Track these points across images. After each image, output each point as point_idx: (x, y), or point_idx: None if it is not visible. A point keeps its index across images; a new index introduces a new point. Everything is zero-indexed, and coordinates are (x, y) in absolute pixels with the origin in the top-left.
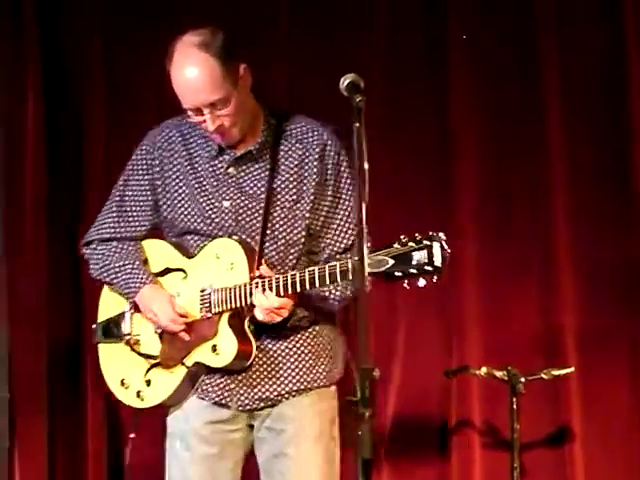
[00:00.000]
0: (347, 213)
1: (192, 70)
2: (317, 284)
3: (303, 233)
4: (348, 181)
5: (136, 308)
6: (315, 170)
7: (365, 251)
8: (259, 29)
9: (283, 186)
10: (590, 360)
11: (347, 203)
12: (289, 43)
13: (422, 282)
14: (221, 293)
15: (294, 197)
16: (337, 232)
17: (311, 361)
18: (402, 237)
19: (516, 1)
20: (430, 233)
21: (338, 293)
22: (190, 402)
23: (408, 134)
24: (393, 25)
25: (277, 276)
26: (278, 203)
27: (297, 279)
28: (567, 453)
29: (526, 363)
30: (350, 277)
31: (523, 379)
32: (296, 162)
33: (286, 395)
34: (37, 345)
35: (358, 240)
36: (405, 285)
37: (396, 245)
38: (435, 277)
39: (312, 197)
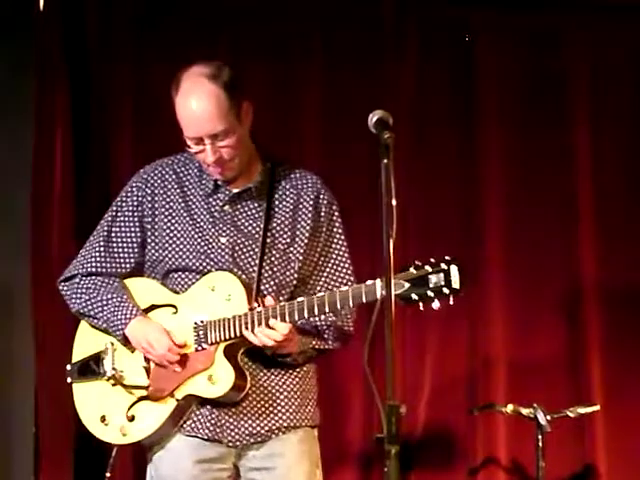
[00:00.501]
0: (339, 260)
1: (199, 99)
2: (327, 309)
3: (295, 275)
4: (340, 230)
5: (125, 341)
6: (310, 216)
7: (392, 284)
8: (294, 64)
9: (278, 228)
10: (616, 398)
11: (338, 251)
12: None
13: (437, 305)
14: (218, 324)
15: (288, 240)
16: (328, 278)
17: (299, 400)
18: (416, 262)
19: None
20: (446, 257)
21: (331, 334)
22: (176, 441)
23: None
24: (422, 61)
25: (282, 304)
26: (273, 244)
27: (305, 305)
28: None
29: (552, 400)
30: (364, 299)
31: (549, 417)
32: (291, 206)
33: (276, 431)
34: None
35: (386, 272)
36: (420, 308)
37: (412, 269)
38: (451, 300)
39: (306, 241)
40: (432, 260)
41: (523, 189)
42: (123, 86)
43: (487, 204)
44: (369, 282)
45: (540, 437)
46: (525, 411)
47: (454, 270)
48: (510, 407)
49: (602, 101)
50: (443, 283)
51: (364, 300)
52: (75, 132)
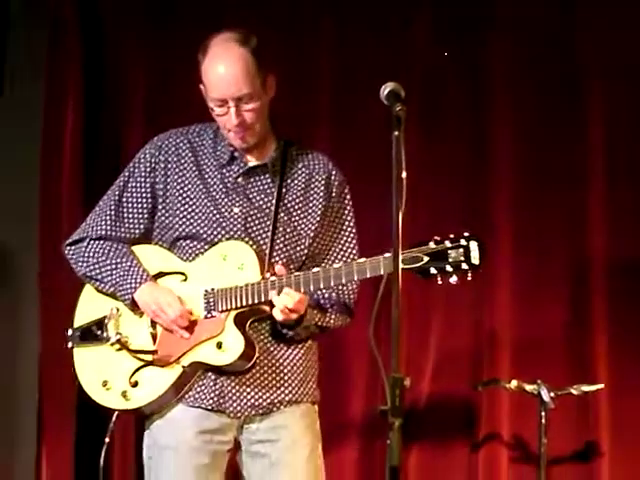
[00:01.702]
0: (349, 239)
1: (228, 61)
2: (343, 279)
3: (305, 252)
4: (350, 212)
5: (133, 305)
6: (322, 194)
7: (399, 257)
8: (304, 37)
9: (289, 205)
10: (620, 377)
11: (350, 229)
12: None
13: (454, 279)
14: (229, 292)
15: (300, 215)
16: (335, 257)
17: (302, 375)
18: (436, 237)
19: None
20: (466, 233)
21: (335, 313)
22: (176, 411)
23: (445, 149)
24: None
25: (296, 273)
26: (285, 220)
27: (320, 274)
28: (594, 470)
29: (556, 377)
30: (382, 271)
31: (553, 394)
32: (303, 184)
33: (278, 404)
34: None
35: (394, 246)
36: (439, 282)
37: (431, 243)
38: (469, 275)
39: (318, 218)
40: (452, 235)
41: (533, 167)
42: (136, 56)
43: (496, 181)
44: (387, 254)
45: (543, 414)
46: (529, 387)
47: (474, 246)
48: (514, 383)
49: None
50: (462, 258)
51: (382, 272)
52: (87, 101)
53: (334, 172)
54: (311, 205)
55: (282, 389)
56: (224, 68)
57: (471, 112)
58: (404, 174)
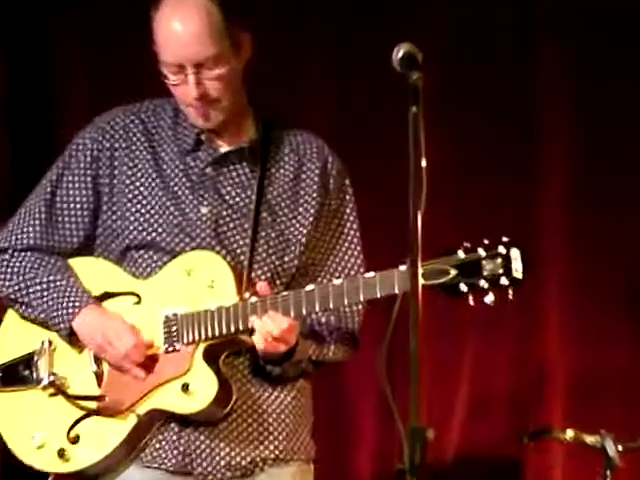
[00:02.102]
0: (350, 250)
1: (187, 14)
2: (345, 300)
3: (296, 262)
4: (352, 209)
5: (70, 337)
6: (315, 188)
7: (419, 270)
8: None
9: (274, 202)
10: None
11: (350, 237)
12: None
13: (491, 298)
14: (196, 317)
15: (288, 216)
16: (335, 271)
17: (291, 425)
18: (466, 243)
19: None
20: (504, 238)
21: (336, 340)
22: (130, 474)
23: (480, 126)
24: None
25: (284, 293)
26: (268, 221)
27: (316, 293)
28: None
29: (624, 426)
30: (396, 289)
31: (620, 447)
32: (291, 175)
33: (261, 464)
34: None
35: (412, 249)
36: (470, 302)
37: (460, 253)
38: (511, 293)
39: (311, 219)
40: (486, 242)
41: (591, 167)
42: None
43: (544, 173)
44: (403, 267)
45: (609, 472)
46: (590, 439)
47: (515, 254)
48: (570, 434)
49: None
50: (501, 271)
51: (396, 289)
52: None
53: (330, 159)
54: (302, 202)
55: (266, 443)
56: (180, 23)
57: (514, 91)
58: (424, 162)
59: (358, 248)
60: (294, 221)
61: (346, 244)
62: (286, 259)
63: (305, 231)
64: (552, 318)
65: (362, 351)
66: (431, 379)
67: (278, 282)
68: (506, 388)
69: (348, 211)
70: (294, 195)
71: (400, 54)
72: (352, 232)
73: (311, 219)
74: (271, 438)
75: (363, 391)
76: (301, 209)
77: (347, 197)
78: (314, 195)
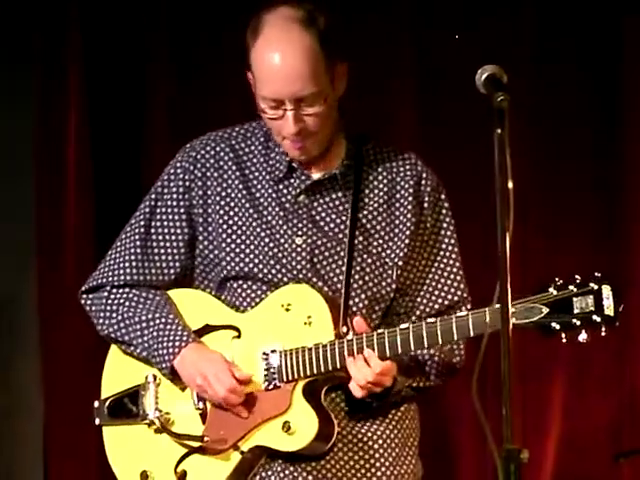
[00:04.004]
0: (448, 267)
1: (289, 50)
2: (439, 340)
3: (393, 286)
4: (450, 225)
5: (173, 375)
6: (410, 208)
7: (509, 300)
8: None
9: (369, 226)
10: None
11: (448, 254)
12: None
13: (583, 336)
14: (295, 355)
15: (384, 238)
16: (434, 289)
17: (397, 449)
18: (557, 280)
19: None
20: (596, 274)
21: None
22: None
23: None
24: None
25: (380, 331)
26: (364, 246)
27: (410, 333)
28: None
29: None
30: (489, 328)
31: None
32: (385, 196)
33: None
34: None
35: (501, 287)
36: (563, 339)
37: (551, 290)
38: (603, 330)
39: (407, 241)
40: (577, 278)
41: None
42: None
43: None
44: (496, 305)
45: None
46: None
47: (607, 292)
48: None
49: None
50: (593, 308)
51: (488, 330)
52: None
53: (424, 174)
54: (397, 222)
55: (373, 471)
56: (281, 59)
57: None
58: (510, 184)
59: (457, 264)
60: (390, 243)
61: (444, 260)
62: (383, 284)
63: (402, 253)
64: None
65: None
66: (525, 399)
67: (377, 307)
68: (601, 410)
69: (445, 226)
70: (389, 216)
71: (484, 76)
72: (450, 248)
73: (407, 241)
74: (377, 465)
75: (456, 414)
76: (397, 230)
77: (443, 212)
78: (409, 215)
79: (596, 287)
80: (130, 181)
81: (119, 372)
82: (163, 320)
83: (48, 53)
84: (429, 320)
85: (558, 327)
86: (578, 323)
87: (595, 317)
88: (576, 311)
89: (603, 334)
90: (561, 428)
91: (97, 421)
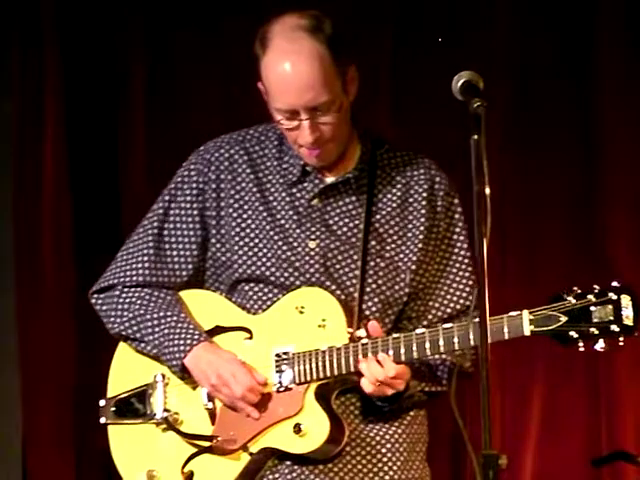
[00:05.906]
0: (460, 271)
1: (300, 61)
2: (456, 345)
3: (406, 290)
4: (462, 229)
5: (183, 373)
6: (423, 212)
7: (486, 303)
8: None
9: (382, 230)
10: None
11: (461, 258)
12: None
13: (601, 344)
14: (309, 358)
15: (397, 242)
16: (446, 294)
17: (405, 454)
18: (575, 288)
19: None
20: (615, 284)
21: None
22: None
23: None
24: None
25: (395, 335)
26: (377, 250)
27: (427, 338)
28: None
29: None
30: (506, 335)
31: None
32: (398, 200)
33: None
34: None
35: (480, 291)
36: (580, 348)
37: (570, 298)
38: (621, 340)
39: (420, 245)
40: (596, 287)
41: None
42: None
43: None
44: (513, 313)
45: None
46: None
47: (626, 301)
48: None
49: None
50: (612, 318)
51: (506, 337)
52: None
53: (438, 179)
54: (410, 227)
55: (381, 475)
56: (292, 71)
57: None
58: (487, 190)
59: (469, 269)
60: (403, 247)
61: (457, 265)
62: (397, 287)
63: (415, 257)
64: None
65: None
66: (503, 405)
67: (390, 311)
68: (578, 414)
69: (457, 230)
70: (402, 220)
71: (461, 82)
72: (462, 252)
73: (420, 245)
74: (385, 469)
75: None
76: (410, 234)
77: (456, 217)
78: (422, 219)
79: (615, 297)
80: (107, 182)
81: (126, 372)
82: (175, 318)
83: (26, 52)
84: (445, 325)
85: (576, 336)
86: (597, 332)
87: (614, 327)
88: (595, 320)
89: (621, 344)
90: (539, 431)
91: (102, 420)
